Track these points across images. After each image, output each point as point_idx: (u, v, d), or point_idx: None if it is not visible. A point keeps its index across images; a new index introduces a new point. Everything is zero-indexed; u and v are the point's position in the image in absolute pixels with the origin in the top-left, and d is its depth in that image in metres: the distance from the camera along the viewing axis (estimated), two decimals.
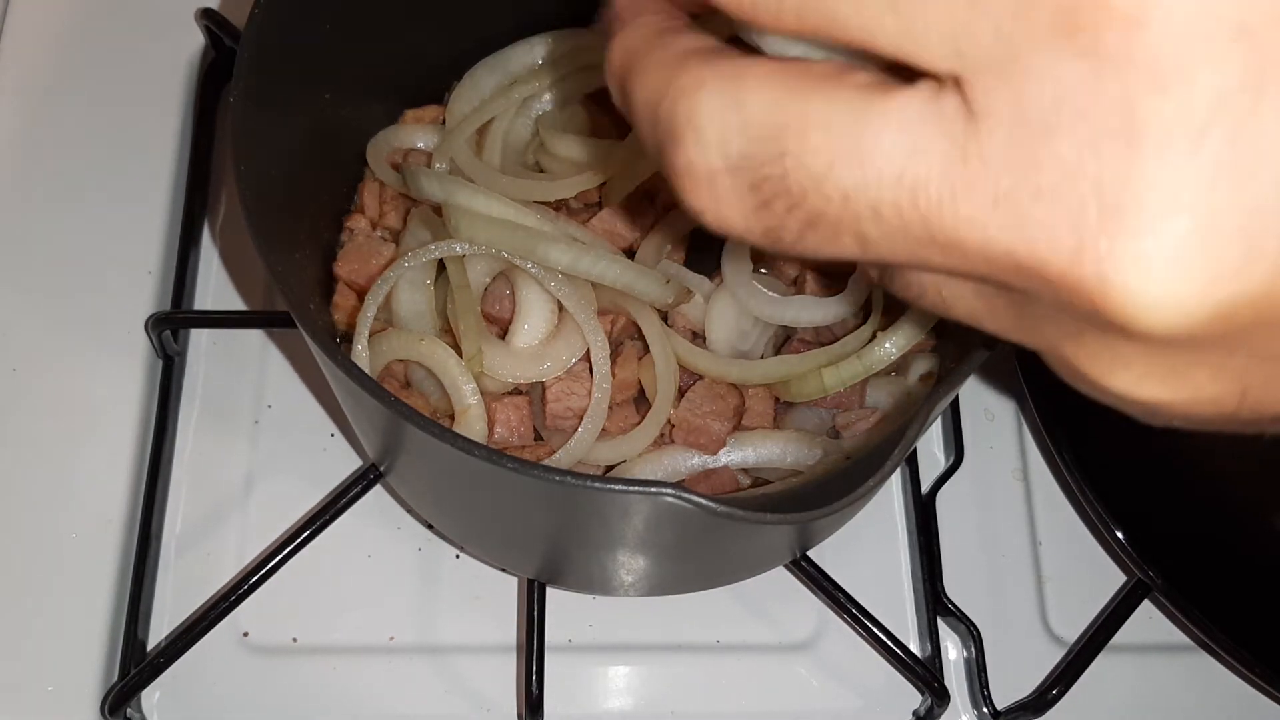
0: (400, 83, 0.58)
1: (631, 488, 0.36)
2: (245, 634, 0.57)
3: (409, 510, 0.60)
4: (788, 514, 0.37)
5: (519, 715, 0.56)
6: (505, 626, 0.58)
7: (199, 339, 0.63)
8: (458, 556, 0.59)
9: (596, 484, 0.37)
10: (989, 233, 0.21)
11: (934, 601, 0.58)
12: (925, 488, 0.61)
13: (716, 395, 0.51)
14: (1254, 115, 0.19)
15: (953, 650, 0.59)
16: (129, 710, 0.53)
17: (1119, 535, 0.56)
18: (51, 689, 0.55)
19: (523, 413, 0.50)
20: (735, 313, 0.53)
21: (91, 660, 0.56)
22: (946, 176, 0.21)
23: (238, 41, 0.44)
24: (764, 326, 0.54)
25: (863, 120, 0.22)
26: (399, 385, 0.52)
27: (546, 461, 0.49)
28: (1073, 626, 0.60)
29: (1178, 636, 0.60)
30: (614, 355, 0.52)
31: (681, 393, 0.52)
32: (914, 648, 0.58)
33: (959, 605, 0.57)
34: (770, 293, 0.53)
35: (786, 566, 0.57)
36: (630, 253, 0.55)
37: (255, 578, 0.54)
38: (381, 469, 0.55)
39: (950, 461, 0.61)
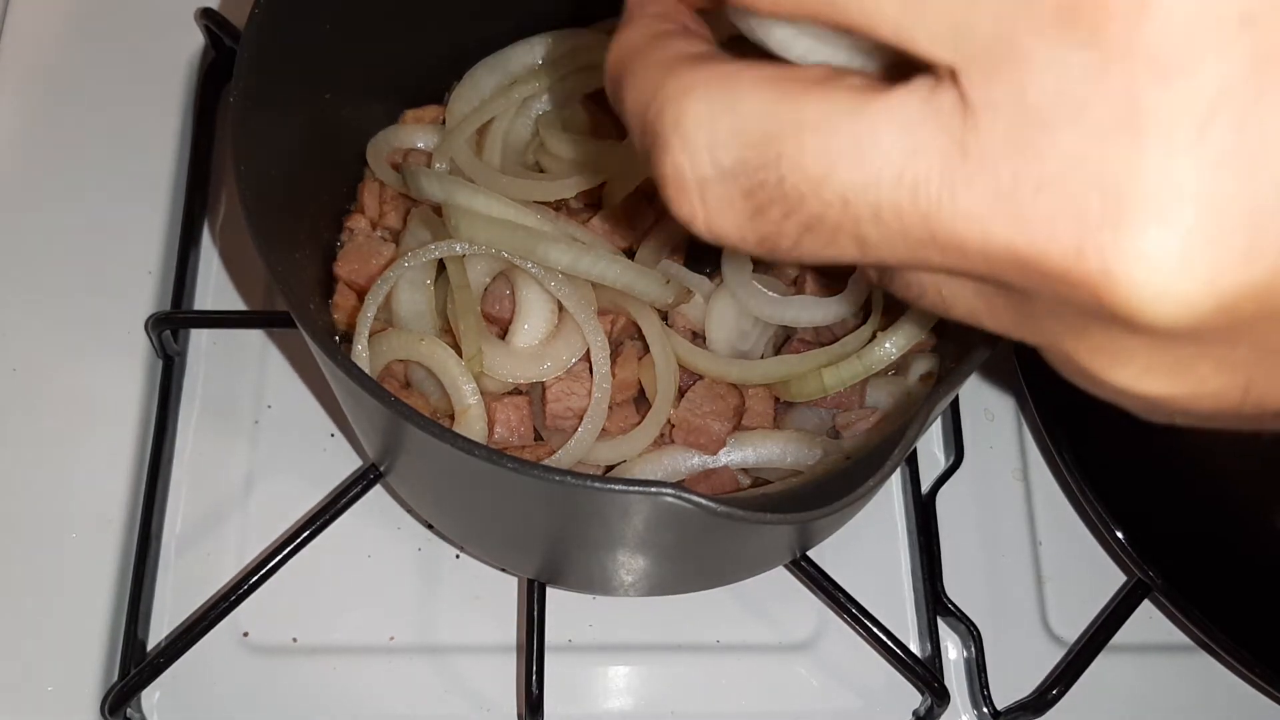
0: (400, 83, 0.58)
1: (631, 488, 0.36)
2: (245, 634, 0.57)
3: (409, 510, 0.60)
4: (788, 514, 0.37)
5: (519, 715, 0.56)
6: (505, 626, 0.58)
7: (199, 339, 0.63)
8: (458, 556, 0.59)
9: (596, 484, 0.37)
10: (990, 228, 0.21)
11: (934, 601, 0.58)
12: (925, 488, 0.61)
13: (716, 395, 0.51)
14: (1258, 105, 0.18)
15: (953, 650, 0.59)
16: (129, 710, 0.53)
17: (1119, 535, 0.56)
18: (51, 689, 0.55)
19: (523, 413, 0.50)
20: (735, 313, 0.53)
21: (91, 660, 0.56)
22: (947, 172, 0.21)
23: (238, 41, 0.44)
24: (764, 326, 0.54)
25: (859, 121, 0.21)
26: (399, 385, 0.52)
27: (546, 461, 0.49)
28: (1073, 626, 0.60)
29: (1178, 636, 0.60)
30: (614, 355, 0.52)
31: (681, 393, 0.52)
32: (914, 648, 0.58)
33: (959, 605, 0.57)
34: (770, 293, 0.53)
35: (786, 566, 0.57)
36: (630, 253, 0.55)
37: (255, 578, 0.54)
38: (381, 469, 0.55)
39: (950, 461, 0.61)
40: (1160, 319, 0.20)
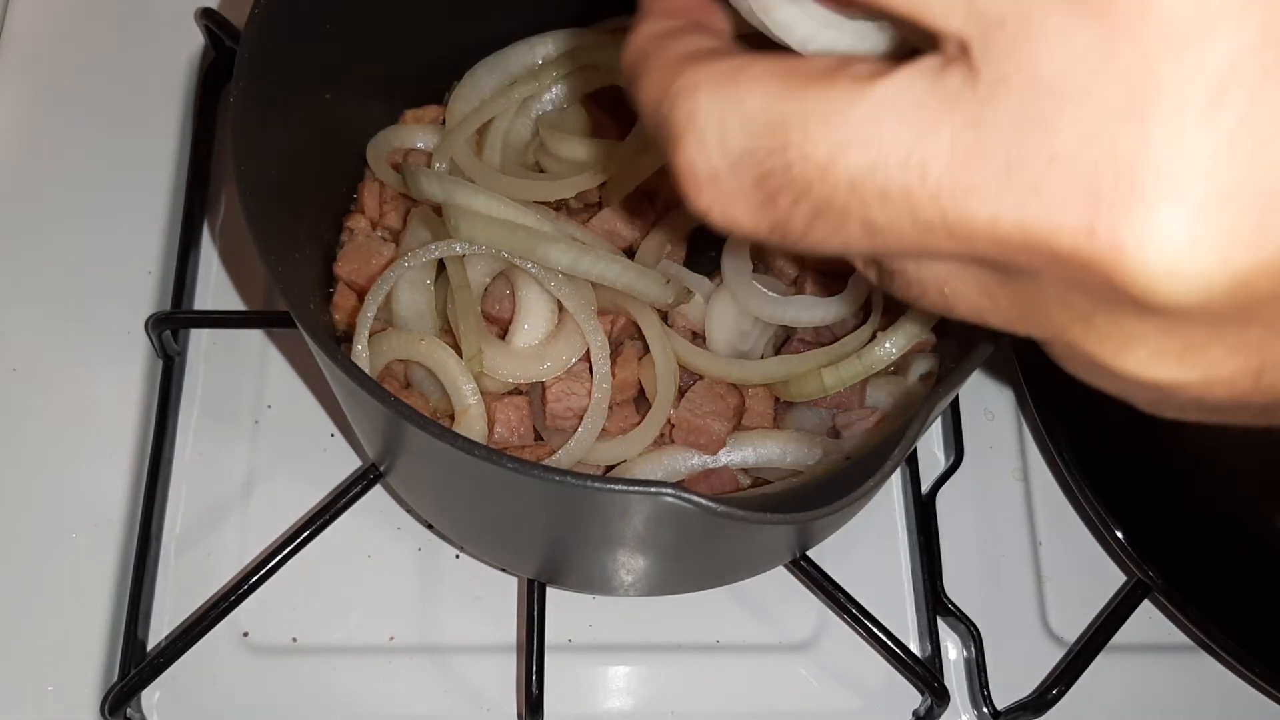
0: (400, 83, 0.58)
1: (631, 488, 0.36)
2: (245, 634, 0.57)
3: (409, 510, 0.60)
4: (788, 514, 0.37)
5: (519, 715, 0.56)
6: (505, 626, 0.58)
7: (199, 339, 0.63)
8: (458, 556, 0.59)
9: (596, 484, 0.37)
10: (1000, 208, 0.20)
11: (934, 601, 0.58)
12: (925, 488, 0.61)
13: (716, 395, 0.51)
14: (1270, 78, 0.18)
15: (953, 650, 0.59)
16: (129, 710, 0.53)
17: (1119, 535, 0.56)
18: (51, 689, 0.55)
19: (523, 413, 0.50)
20: (735, 313, 0.53)
21: (91, 660, 0.56)
22: (956, 148, 0.20)
23: (238, 41, 0.44)
24: (764, 326, 0.54)
25: (864, 105, 0.21)
26: (399, 385, 0.52)
27: (546, 461, 0.49)
28: (1073, 626, 0.60)
29: (1178, 636, 0.60)
30: (614, 355, 0.52)
31: (681, 393, 0.52)
32: (914, 648, 0.58)
33: (959, 605, 0.57)
34: (770, 293, 0.53)
35: (786, 566, 0.57)
36: (630, 253, 0.55)
37: (255, 578, 0.54)
38: (381, 469, 0.55)
39: (950, 461, 0.61)
40: (1171, 298, 0.20)
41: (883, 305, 0.53)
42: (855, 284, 0.53)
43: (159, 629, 0.57)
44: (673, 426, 0.51)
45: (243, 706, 0.56)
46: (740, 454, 0.51)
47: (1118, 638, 0.57)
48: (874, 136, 0.21)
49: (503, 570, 0.59)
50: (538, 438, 0.52)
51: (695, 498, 0.35)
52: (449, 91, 0.59)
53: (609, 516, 0.42)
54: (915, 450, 0.62)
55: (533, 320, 0.51)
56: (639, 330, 0.52)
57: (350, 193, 0.57)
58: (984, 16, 0.20)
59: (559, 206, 0.56)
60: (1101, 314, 0.22)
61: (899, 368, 0.53)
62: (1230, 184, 0.19)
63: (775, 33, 0.27)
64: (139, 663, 0.54)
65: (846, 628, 0.57)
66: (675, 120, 0.24)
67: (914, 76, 0.21)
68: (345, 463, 0.61)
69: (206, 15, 0.65)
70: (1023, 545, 0.62)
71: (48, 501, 0.59)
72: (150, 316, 0.60)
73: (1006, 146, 0.20)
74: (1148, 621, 0.60)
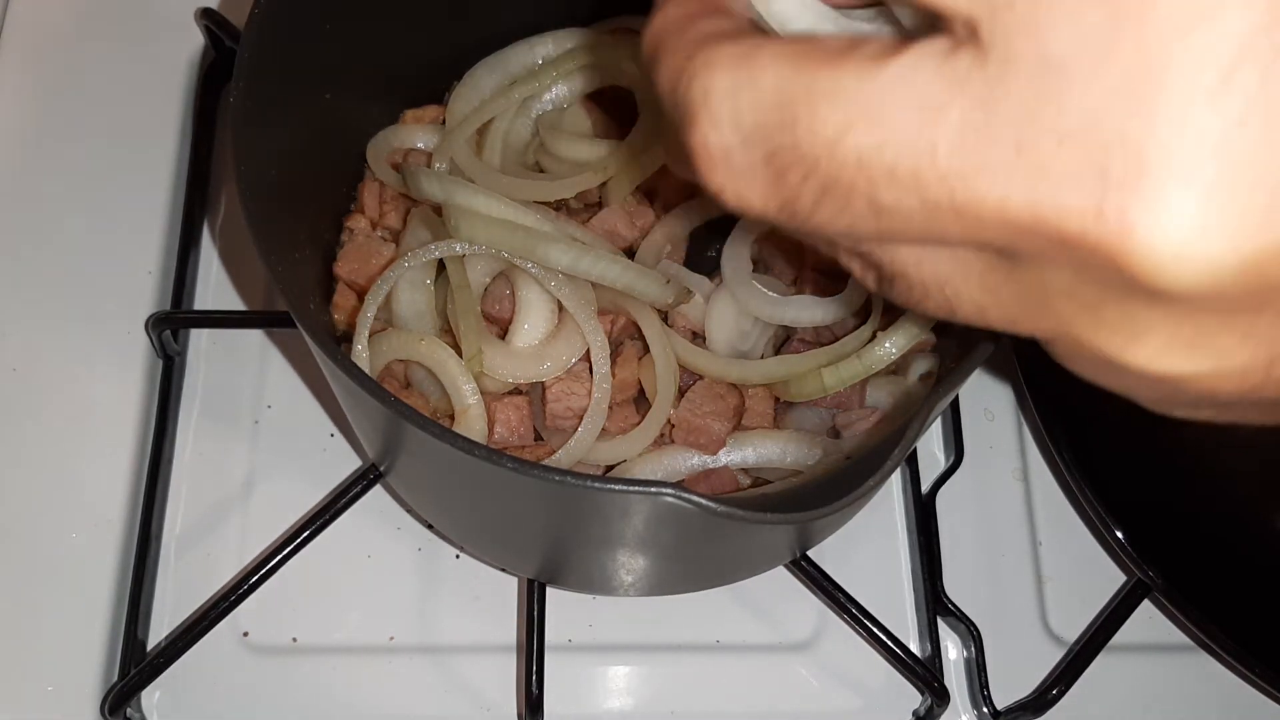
0: (400, 83, 0.58)
1: (631, 488, 0.36)
2: (245, 634, 0.57)
3: (409, 510, 0.60)
4: (788, 514, 0.37)
5: (519, 715, 0.56)
6: (505, 626, 0.58)
7: (199, 339, 0.63)
8: (458, 556, 0.59)
9: (596, 484, 0.37)
10: (1009, 188, 0.20)
11: (934, 601, 0.58)
12: (925, 488, 0.61)
13: (716, 395, 0.51)
14: None
15: (953, 650, 0.59)
16: (129, 710, 0.53)
17: (1119, 535, 0.56)
18: (51, 689, 0.55)
19: (523, 413, 0.50)
20: (735, 313, 0.53)
21: (91, 660, 0.56)
22: (965, 129, 0.20)
23: (238, 41, 0.44)
24: (764, 326, 0.54)
25: (872, 83, 0.21)
26: (399, 385, 0.52)
27: (546, 461, 0.49)
28: (1073, 626, 0.60)
29: (1178, 636, 0.60)
30: (614, 355, 0.52)
31: (681, 393, 0.52)
32: (914, 648, 0.58)
33: (959, 605, 0.57)
34: (770, 293, 0.53)
35: (786, 566, 0.57)
36: (630, 253, 0.55)
37: (255, 578, 0.54)
38: (381, 469, 0.55)
39: (950, 461, 0.61)
40: (1180, 281, 0.19)
41: (883, 305, 0.53)
42: (855, 284, 0.53)
43: (159, 629, 0.57)
44: (673, 426, 0.51)
45: (243, 706, 0.56)
46: (740, 454, 0.51)
47: (1118, 638, 0.57)
48: (882, 115, 0.21)
49: (503, 570, 0.59)
50: (538, 438, 0.52)
51: (695, 498, 0.35)
52: (449, 91, 0.59)
53: (609, 516, 0.42)
54: (915, 450, 0.62)
55: (533, 320, 0.51)
56: (639, 330, 0.52)
57: (350, 193, 0.57)
58: None
59: (559, 206, 0.56)
60: (1110, 304, 0.22)
61: (899, 368, 0.53)
62: (1240, 164, 0.18)
63: (772, 25, 0.27)
64: (139, 663, 0.54)
65: (846, 628, 0.57)
66: (691, 98, 0.25)
67: (923, 56, 0.21)
68: (345, 463, 0.61)
69: (206, 15, 0.65)
70: (1023, 545, 0.62)
71: (48, 501, 0.59)
72: (150, 316, 0.60)
73: (1016, 127, 0.20)
74: (1148, 621, 0.60)
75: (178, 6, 0.69)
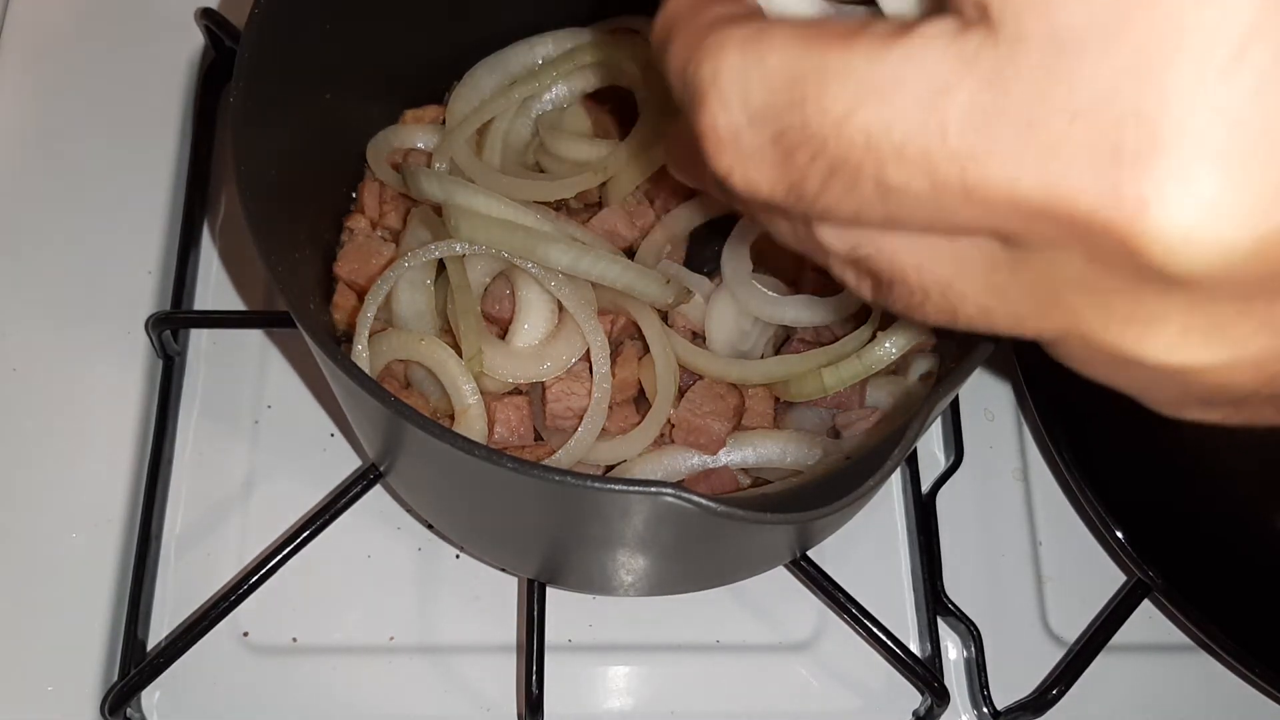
0: (400, 83, 0.58)
1: (631, 488, 0.36)
2: (245, 634, 0.57)
3: (409, 510, 0.60)
4: (788, 514, 0.37)
5: (519, 715, 0.56)
6: (505, 626, 0.58)
7: (199, 339, 0.63)
8: (458, 556, 0.59)
9: (596, 484, 0.37)
10: (1020, 168, 0.20)
11: (934, 601, 0.58)
12: (925, 488, 0.61)
13: (716, 395, 0.51)
14: None
15: (953, 650, 0.59)
16: (129, 710, 0.53)
17: (1119, 535, 0.56)
18: (51, 689, 0.55)
19: (523, 413, 0.50)
20: (735, 313, 0.53)
21: (91, 660, 0.56)
22: (976, 108, 0.20)
23: (238, 41, 0.44)
24: (764, 326, 0.54)
25: (881, 62, 0.21)
26: (399, 385, 0.52)
27: (546, 461, 0.49)
28: (1073, 626, 0.60)
29: (1178, 636, 0.60)
30: (614, 355, 0.52)
31: (681, 393, 0.52)
32: (914, 648, 0.58)
33: (959, 605, 0.57)
34: (770, 293, 0.53)
35: (786, 566, 0.57)
36: (630, 253, 0.55)
37: (255, 578, 0.54)
38: (381, 469, 0.55)
39: (950, 461, 0.61)
40: (1194, 263, 0.19)
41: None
42: None
43: (159, 629, 0.57)
44: (673, 426, 0.51)
45: (243, 706, 0.56)
46: (740, 454, 0.51)
47: (1118, 638, 0.57)
48: (892, 94, 0.21)
49: (503, 570, 0.59)
50: (538, 438, 0.52)
51: (695, 498, 0.35)
52: (449, 91, 0.59)
53: (609, 516, 0.42)
54: (915, 450, 0.62)
55: (533, 320, 0.51)
56: (639, 330, 0.52)
57: (350, 193, 0.57)
58: None
59: (559, 206, 0.56)
60: (1122, 293, 0.21)
61: (899, 368, 0.53)
62: (1254, 140, 0.18)
63: (771, 7, 0.27)
64: (139, 663, 0.54)
65: (846, 628, 0.57)
66: (700, 80, 0.25)
67: (933, 36, 0.21)
68: (345, 463, 0.61)
69: (206, 15, 0.65)
70: (1023, 545, 0.62)
71: (48, 501, 0.59)
72: (150, 316, 0.60)
73: (1027, 106, 0.20)
74: (1148, 621, 0.60)
75: (178, 6, 0.69)
